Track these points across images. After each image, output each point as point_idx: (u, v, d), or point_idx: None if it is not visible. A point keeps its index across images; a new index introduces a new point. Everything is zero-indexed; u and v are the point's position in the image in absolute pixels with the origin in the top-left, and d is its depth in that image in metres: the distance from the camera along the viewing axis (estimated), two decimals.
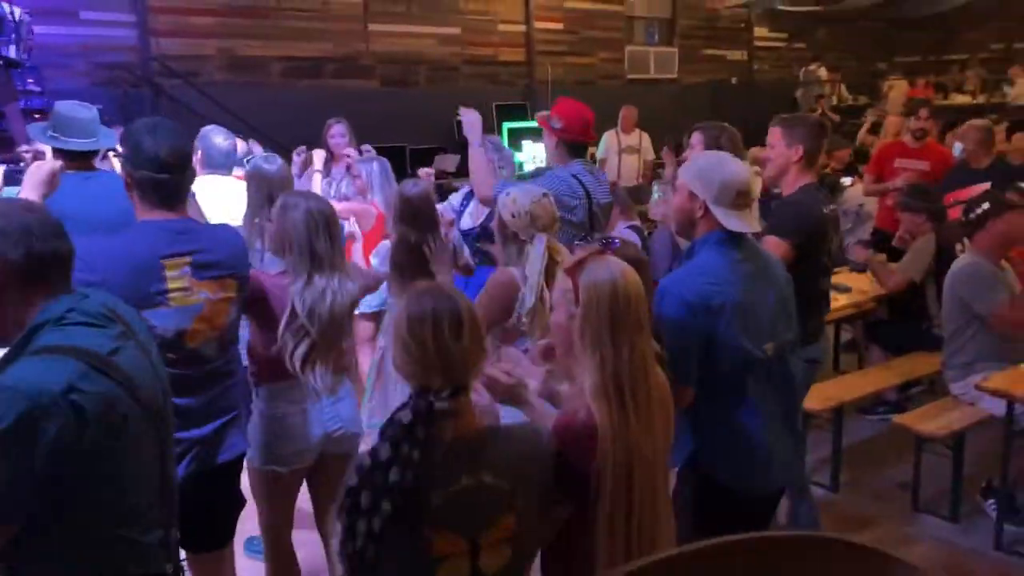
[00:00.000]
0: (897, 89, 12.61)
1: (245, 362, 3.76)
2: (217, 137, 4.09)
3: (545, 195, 2.84)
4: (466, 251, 3.92)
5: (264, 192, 3.46)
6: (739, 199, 2.38)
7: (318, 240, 2.71)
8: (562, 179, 3.42)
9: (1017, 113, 10.87)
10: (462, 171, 9.66)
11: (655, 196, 3.73)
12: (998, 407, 3.72)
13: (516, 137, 9.53)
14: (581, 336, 1.80)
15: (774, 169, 3.37)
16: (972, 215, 3.99)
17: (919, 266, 4.71)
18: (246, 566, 3.60)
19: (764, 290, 2.43)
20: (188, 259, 2.30)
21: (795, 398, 2.66)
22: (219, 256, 2.40)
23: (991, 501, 3.88)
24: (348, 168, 5.15)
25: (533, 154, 9.45)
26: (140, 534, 1.66)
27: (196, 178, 3.00)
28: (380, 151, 5.43)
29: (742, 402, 2.37)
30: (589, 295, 1.81)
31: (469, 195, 4.50)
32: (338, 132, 5.19)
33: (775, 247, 2.95)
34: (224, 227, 2.68)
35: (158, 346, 1.92)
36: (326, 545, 3.09)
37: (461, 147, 10.31)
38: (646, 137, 8.83)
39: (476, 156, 3.73)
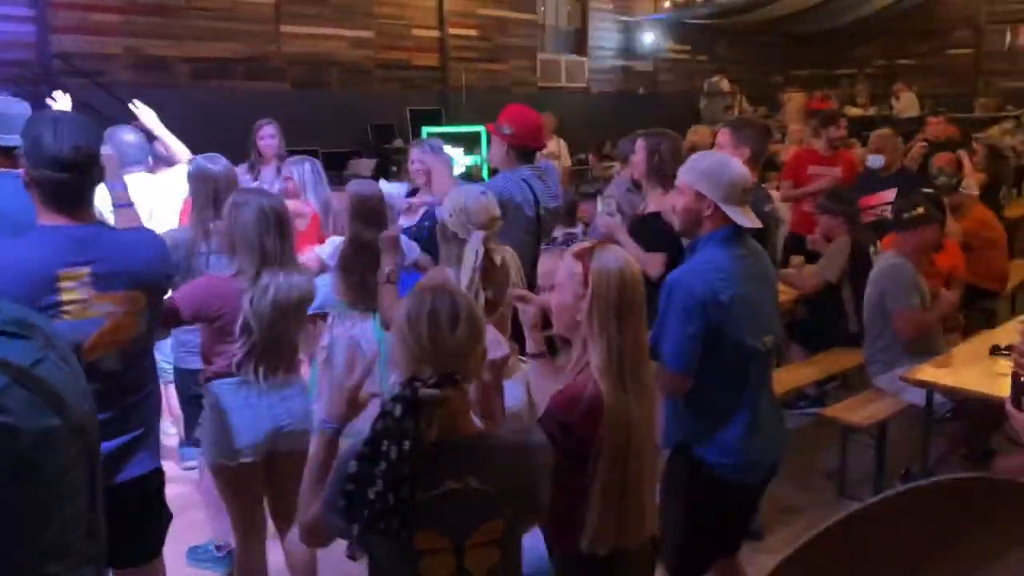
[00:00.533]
0: (795, 101, 13.16)
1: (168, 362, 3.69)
2: (125, 135, 4.03)
3: (484, 193, 2.88)
4: (414, 249, 3.93)
5: (209, 193, 3.37)
6: (744, 195, 2.50)
7: (268, 237, 2.69)
8: (511, 181, 3.46)
9: (904, 125, 11.55)
10: (378, 175, 9.60)
11: (600, 209, 3.79)
12: (919, 397, 3.95)
13: None
14: (589, 317, 1.92)
15: None
16: (906, 216, 4.20)
17: (835, 267, 4.95)
18: (188, 574, 3.50)
19: (762, 285, 2.54)
20: (87, 270, 2.13)
21: (770, 386, 2.75)
22: (127, 267, 2.24)
23: None
24: (279, 170, 5.06)
25: (453, 159, 9.46)
26: (69, 570, 1.37)
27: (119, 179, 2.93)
28: (292, 155, 5.33)
29: (741, 394, 2.46)
30: (599, 280, 1.93)
31: (411, 195, 4.51)
32: (268, 133, 5.09)
33: None
34: (140, 234, 2.54)
35: None
36: (283, 544, 3.05)
37: (376, 151, 10.33)
38: (563, 144, 8.97)
39: None
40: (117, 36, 8.38)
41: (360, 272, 3.55)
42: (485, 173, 9.58)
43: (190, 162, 3.74)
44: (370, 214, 3.45)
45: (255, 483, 2.86)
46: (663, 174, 3.81)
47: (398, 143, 10.69)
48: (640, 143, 3.94)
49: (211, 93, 8.91)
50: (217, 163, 3.52)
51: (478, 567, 1.69)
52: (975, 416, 4.12)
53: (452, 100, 11.38)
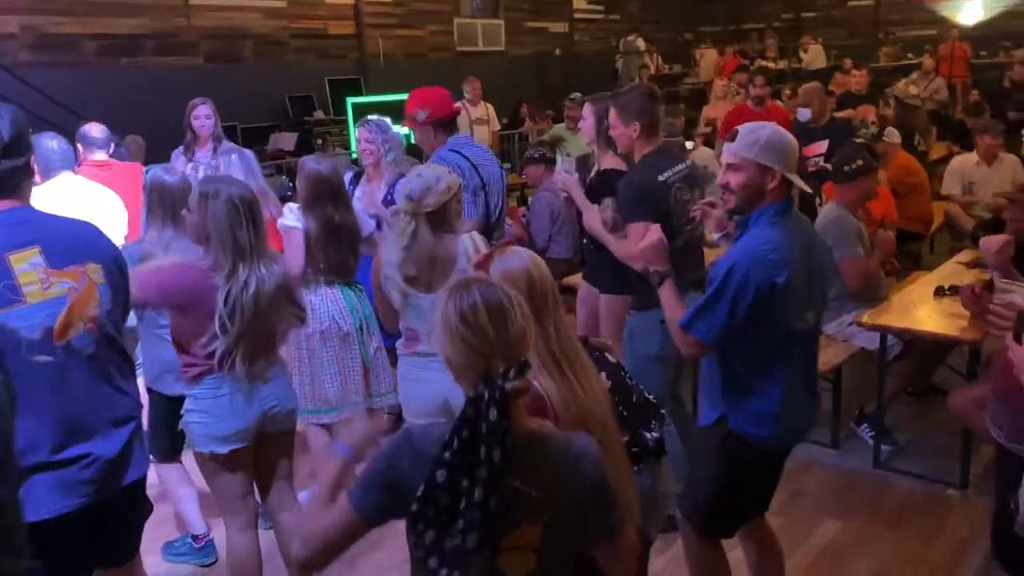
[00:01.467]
0: (708, 58, 13.43)
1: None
2: (48, 141, 3.85)
3: (451, 172, 2.92)
4: (369, 224, 3.89)
5: (167, 206, 3.25)
6: (796, 161, 2.49)
7: (240, 230, 2.61)
8: (445, 159, 3.49)
9: (812, 78, 11.90)
10: (302, 150, 9.39)
11: (560, 165, 3.81)
12: (868, 341, 4.13)
13: (361, 112, 9.33)
14: None
15: (624, 149, 3.56)
16: (847, 169, 4.34)
17: None
18: (165, 570, 3.43)
19: (811, 257, 2.51)
20: (36, 248, 2.06)
21: (817, 361, 2.76)
22: (73, 242, 2.17)
23: (864, 426, 4.30)
24: (215, 151, 4.89)
25: (402, 136, 9.31)
26: None
27: (40, 186, 2.78)
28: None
29: (777, 369, 2.47)
30: (507, 284, 1.84)
31: (355, 178, 4.42)
32: (202, 113, 4.88)
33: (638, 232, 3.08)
34: (72, 218, 2.41)
35: (26, 349, 1.81)
36: (274, 524, 3.02)
37: (296, 124, 10.09)
38: (491, 108, 8.92)
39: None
40: (14, 14, 7.92)
41: (339, 250, 3.50)
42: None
43: (145, 172, 3.59)
44: (335, 194, 3.39)
45: (246, 467, 2.83)
46: (612, 137, 3.87)
47: (319, 115, 10.46)
48: (588, 108, 3.97)
49: (121, 72, 8.53)
50: (173, 175, 3.40)
51: (512, 570, 1.64)
52: (922, 355, 4.33)
53: (371, 68, 11.17)
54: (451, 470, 1.51)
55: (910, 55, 13.21)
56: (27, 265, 2.04)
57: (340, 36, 10.97)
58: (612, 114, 3.45)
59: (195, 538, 3.48)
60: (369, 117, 4.43)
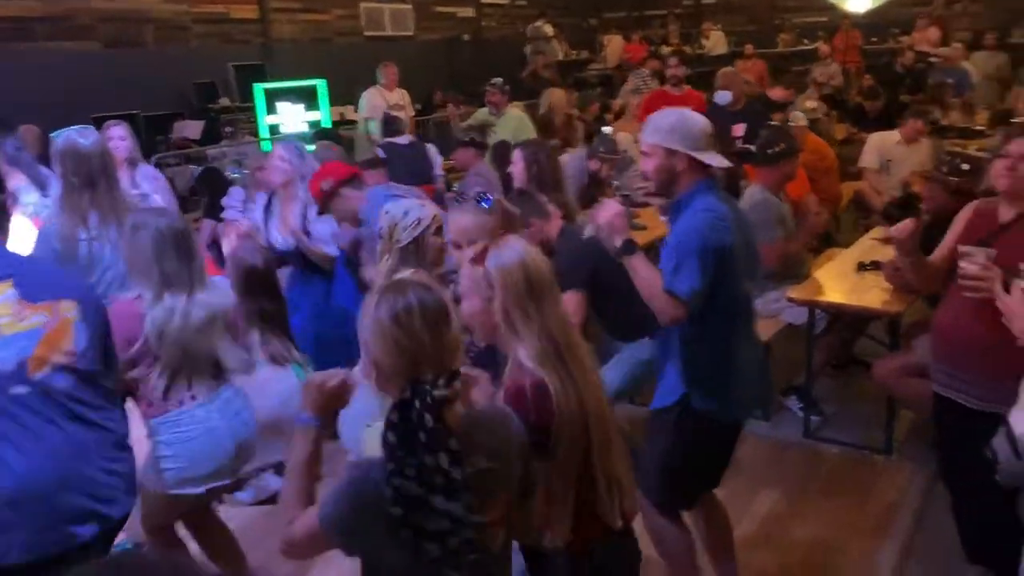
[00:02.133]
0: (614, 44, 13.61)
1: None
2: None
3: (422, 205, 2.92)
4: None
5: (84, 173, 3.09)
6: (711, 141, 2.57)
7: (165, 259, 2.53)
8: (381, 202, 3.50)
9: (714, 63, 12.24)
10: (209, 138, 9.08)
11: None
12: (797, 316, 4.30)
13: (271, 99, 9.10)
14: (508, 315, 1.88)
15: None
16: (769, 152, 4.48)
17: None
18: None
19: (744, 229, 2.61)
20: (9, 282, 2.00)
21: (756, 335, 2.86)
22: (47, 278, 2.14)
23: (793, 398, 4.48)
24: (132, 179, 4.55)
25: (290, 115, 9.09)
26: None
27: None
28: (109, 119, 4.65)
29: (730, 339, 2.56)
30: (504, 277, 1.89)
31: (270, 203, 4.29)
32: (116, 135, 4.36)
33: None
34: (43, 257, 2.42)
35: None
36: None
37: (201, 112, 9.73)
38: (406, 94, 8.82)
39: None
40: None
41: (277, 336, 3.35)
42: (328, 122, 9.31)
43: (56, 136, 3.38)
44: (265, 283, 3.30)
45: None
46: (544, 182, 3.95)
47: (224, 102, 10.12)
48: (518, 154, 4.10)
49: (11, 58, 8.05)
50: (88, 136, 3.23)
51: (495, 545, 1.69)
52: (844, 328, 4.54)
53: (276, 54, 10.87)
54: (398, 489, 1.50)
55: (805, 40, 13.71)
56: (1, 298, 1.97)
57: (244, 20, 10.64)
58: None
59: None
60: (291, 140, 4.39)
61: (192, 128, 9.34)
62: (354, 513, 1.57)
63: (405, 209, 2.78)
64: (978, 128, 7.86)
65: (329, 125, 9.22)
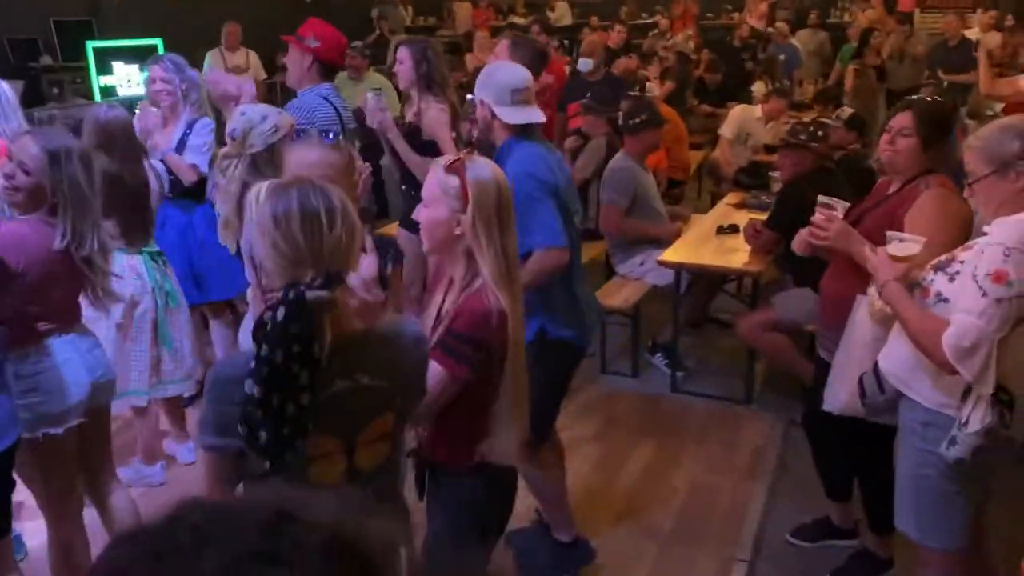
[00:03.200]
0: (463, 11, 13.55)
1: None
2: None
3: (281, 113, 2.74)
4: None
5: None
6: (516, 95, 2.63)
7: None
8: (313, 102, 3.32)
9: (560, 33, 12.48)
10: (31, 99, 8.34)
11: (371, 102, 3.71)
12: (661, 278, 4.51)
13: (104, 58, 8.47)
14: (475, 230, 1.90)
15: None
16: (632, 122, 4.63)
17: (591, 165, 5.27)
18: None
19: (561, 169, 2.76)
20: None
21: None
22: None
23: (658, 355, 4.71)
24: None
25: (128, 77, 8.51)
26: None
27: None
28: None
29: (578, 271, 2.76)
30: (480, 191, 1.90)
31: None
32: None
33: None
34: None
35: None
36: (100, 511, 2.80)
37: (20, 71, 8.93)
38: (253, 55, 8.45)
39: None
40: None
41: (132, 210, 3.26)
42: None
43: None
44: (112, 142, 3.17)
45: (72, 450, 2.59)
46: (432, 80, 3.85)
47: (46, 60, 9.32)
48: (404, 52, 3.87)
49: None
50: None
51: (368, 463, 1.67)
52: (703, 289, 4.81)
53: (103, 9, 10.10)
54: (260, 380, 1.45)
55: (644, 14, 14.17)
56: None
57: None
58: (503, 48, 3.51)
59: None
60: (160, 54, 4.07)
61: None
62: (214, 408, 1.56)
63: (264, 114, 2.61)
64: (805, 102, 8.43)
65: None
